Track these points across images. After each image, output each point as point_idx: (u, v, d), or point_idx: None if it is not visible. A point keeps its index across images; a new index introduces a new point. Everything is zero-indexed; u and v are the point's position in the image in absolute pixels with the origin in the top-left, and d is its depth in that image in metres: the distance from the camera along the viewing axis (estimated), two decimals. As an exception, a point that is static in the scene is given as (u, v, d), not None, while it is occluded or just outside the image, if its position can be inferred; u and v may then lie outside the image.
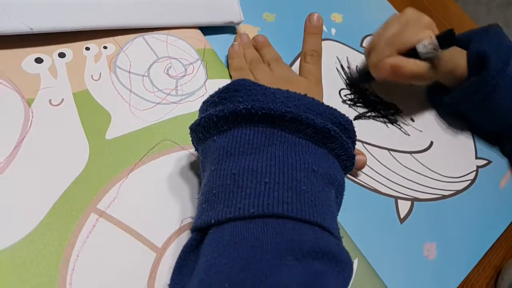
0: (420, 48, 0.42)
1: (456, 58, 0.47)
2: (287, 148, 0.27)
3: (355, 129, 0.31)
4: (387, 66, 0.43)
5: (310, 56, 0.42)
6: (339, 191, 0.30)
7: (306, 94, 0.30)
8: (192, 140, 0.32)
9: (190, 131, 0.31)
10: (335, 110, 0.30)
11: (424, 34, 0.42)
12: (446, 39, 0.42)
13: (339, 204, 0.31)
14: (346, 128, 0.30)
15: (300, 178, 0.26)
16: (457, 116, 0.54)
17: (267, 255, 0.23)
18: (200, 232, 0.27)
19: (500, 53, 0.45)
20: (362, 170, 0.44)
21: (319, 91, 0.41)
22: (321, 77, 0.42)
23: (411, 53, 0.43)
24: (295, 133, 0.28)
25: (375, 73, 0.45)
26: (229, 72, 0.44)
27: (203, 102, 0.31)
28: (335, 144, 0.29)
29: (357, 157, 0.39)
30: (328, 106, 0.30)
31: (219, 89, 0.30)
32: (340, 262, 0.24)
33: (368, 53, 0.47)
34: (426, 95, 0.55)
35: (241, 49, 0.45)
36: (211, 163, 0.28)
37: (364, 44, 0.56)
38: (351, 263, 0.26)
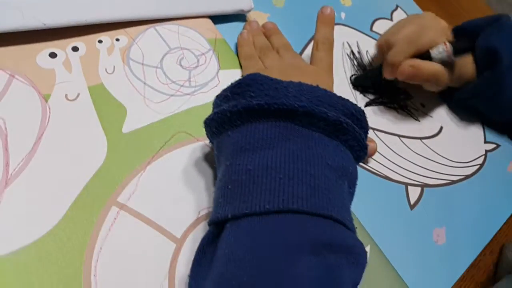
0: (435, 54, 0.43)
1: (464, 62, 0.47)
2: (301, 142, 0.27)
3: (367, 116, 0.32)
4: (407, 67, 0.43)
5: (322, 44, 0.42)
6: (352, 181, 0.31)
7: (318, 85, 0.30)
8: (206, 134, 0.32)
9: (204, 125, 0.31)
10: (347, 101, 0.30)
11: (442, 39, 0.43)
12: (461, 47, 0.43)
13: (352, 194, 0.31)
14: (358, 118, 0.30)
15: (314, 172, 0.26)
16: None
17: (284, 251, 0.23)
18: (217, 225, 0.28)
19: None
20: (373, 157, 0.44)
21: (330, 80, 0.41)
22: (332, 65, 0.42)
23: (424, 57, 0.44)
24: (308, 126, 0.28)
25: (391, 73, 0.45)
26: (238, 63, 0.43)
27: (216, 96, 0.31)
28: (347, 136, 0.29)
29: (369, 145, 0.40)
30: (340, 97, 0.30)
31: (231, 83, 0.30)
32: (354, 254, 0.25)
33: (382, 51, 0.46)
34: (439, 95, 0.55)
35: (250, 36, 0.44)
36: (226, 158, 0.29)
37: (374, 29, 0.56)
38: (365, 254, 0.27)
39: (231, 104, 0.28)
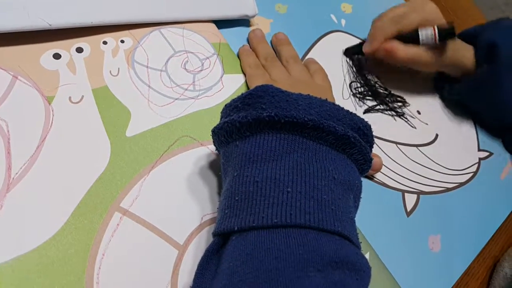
0: (422, 35, 0.45)
1: (461, 50, 0.48)
2: (308, 155, 0.28)
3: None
4: (382, 48, 0.46)
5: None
6: (357, 195, 0.31)
7: (326, 99, 0.30)
8: (213, 142, 0.32)
9: (212, 134, 0.31)
10: (355, 115, 0.30)
11: (428, 20, 0.45)
12: (446, 32, 0.45)
13: (356, 207, 0.31)
14: (365, 133, 0.30)
15: (321, 186, 0.26)
16: (462, 109, 0.55)
17: (289, 267, 0.23)
18: (222, 236, 0.27)
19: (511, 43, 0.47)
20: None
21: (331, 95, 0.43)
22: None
23: (411, 38, 0.46)
24: (316, 139, 0.28)
25: (368, 47, 0.48)
26: (241, 68, 0.43)
27: (225, 106, 0.31)
28: (354, 150, 0.29)
29: (374, 160, 0.40)
30: (347, 111, 0.30)
31: (242, 94, 0.30)
32: (358, 270, 0.25)
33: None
34: (434, 85, 0.56)
35: (251, 47, 0.45)
36: (234, 168, 0.28)
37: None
38: (369, 270, 0.27)
39: (241, 114, 0.28)
